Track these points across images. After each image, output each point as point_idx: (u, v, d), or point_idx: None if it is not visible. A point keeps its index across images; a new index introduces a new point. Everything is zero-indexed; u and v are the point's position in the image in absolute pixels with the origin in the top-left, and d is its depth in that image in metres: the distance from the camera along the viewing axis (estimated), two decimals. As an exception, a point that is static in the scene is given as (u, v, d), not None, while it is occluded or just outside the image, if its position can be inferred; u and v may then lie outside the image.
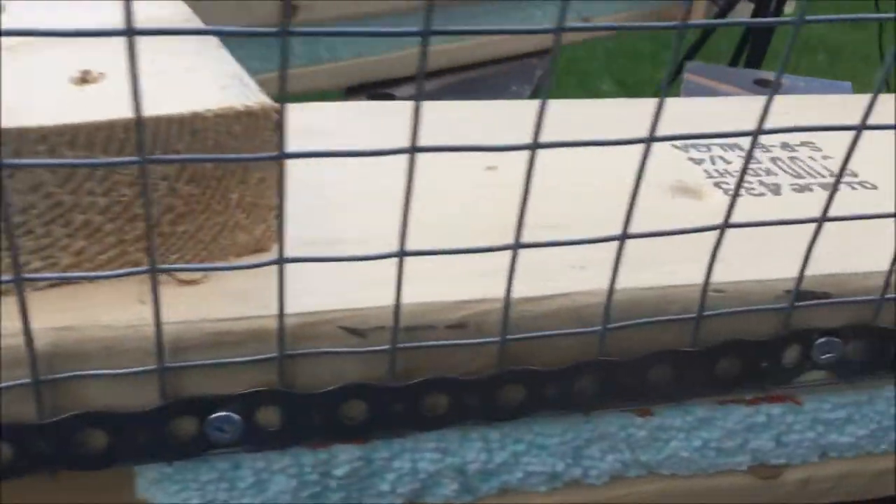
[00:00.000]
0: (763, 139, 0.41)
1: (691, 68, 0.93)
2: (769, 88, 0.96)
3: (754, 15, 1.09)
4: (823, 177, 0.38)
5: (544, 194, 0.35)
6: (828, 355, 0.31)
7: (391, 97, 0.82)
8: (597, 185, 0.35)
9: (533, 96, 0.85)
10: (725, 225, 0.27)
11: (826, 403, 0.33)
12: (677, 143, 0.40)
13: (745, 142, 0.41)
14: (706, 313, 0.29)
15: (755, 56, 1.09)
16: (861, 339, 0.31)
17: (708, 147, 0.40)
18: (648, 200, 0.35)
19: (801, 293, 0.30)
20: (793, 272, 0.29)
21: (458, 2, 0.86)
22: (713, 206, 0.35)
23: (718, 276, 0.29)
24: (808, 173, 0.38)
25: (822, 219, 0.28)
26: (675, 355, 0.29)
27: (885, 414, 0.34)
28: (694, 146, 0.40)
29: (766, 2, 1.06)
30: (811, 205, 0.35)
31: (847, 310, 0.31)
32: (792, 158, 0.39)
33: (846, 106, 0.48)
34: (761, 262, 0.30)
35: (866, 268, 0.30)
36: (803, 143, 0.41)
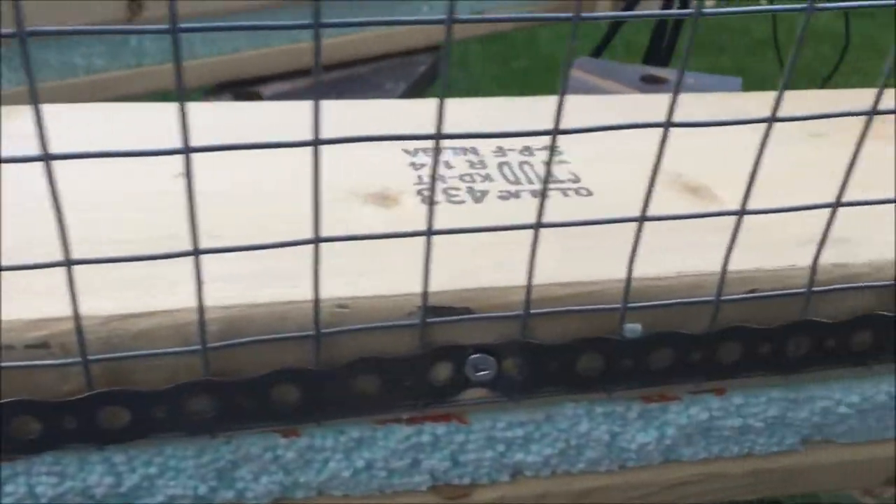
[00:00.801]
0: (504, 143, 0.40)
1: (580, 63, 0.91)
2: (656, 85, 0.94)
3: (663, 9, 1.07)
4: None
5: (226, 200, 0.33)
6: (483, 373, 0.30)
7: (258, 96, 0.81)
8: (280, 189, 0.34)
9: (407, 94, 0.84)
10: (317, 239, 0.25)
11: (499, 422, 0.31)
12: (407, 146, 0.39)
13: (483, 146, 0.40)
14: (326, 330, 0.27)
15: (662, 52, 1.07)
16: (517, 355, 0.29)
17: (441, 151, 0.38)
18: (335, 206, 0.33)
19: (438, 308, 0.28)
20: (429, 287, 0.28)
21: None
22: (399, 216, 0.33)
23: (342, 291, 0.28)
24: (529, 180, 0.36)
25: (429, 232, 0.26)
26: (298, 374, 0.28)
27: (572, 432, 0.32)
28: (425, 150, 0.38)
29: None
30: (507, 213, 0.34)
31: (499, 325, 0.29)
32: (522, 164, 0.38)
33: (721, 104, 0.47)
34: (395, 276, 0.29)
35: (509, 282, 0.29)
36: (546, 147, 0.39)
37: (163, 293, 0.27)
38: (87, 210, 0.32)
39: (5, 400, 0.26)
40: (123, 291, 0.27)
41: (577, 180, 0.37)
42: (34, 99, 0.21)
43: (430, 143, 0.39)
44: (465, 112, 0.43)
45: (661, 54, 1.08)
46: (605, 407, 0.32)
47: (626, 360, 0.30)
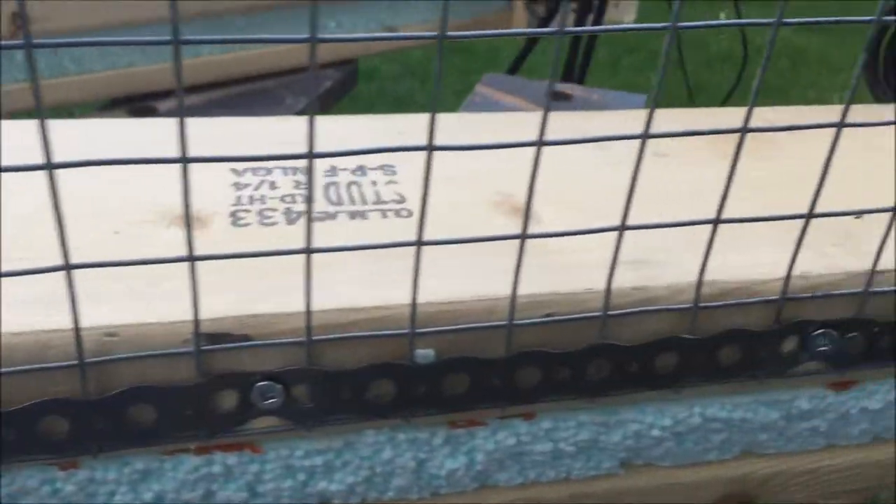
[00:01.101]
0: (337, 162, 0.39)
1: (487, 80, 0.91)
2: (562, 101, 0.94)
3: (577, 24, 1.08)
4: (365, 204, 0.36)
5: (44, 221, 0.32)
6: (271, 401, 0.29)
7: (154, 111, 0.80)
8: (94, 210, 0.33)
9: (307, 109, 0.83)
10: (67, 266, 0.24)
11: (297, 451, 0.31)
12: (236, 166, 0.38)
13: (315, 165, 0.39)
14: (91, 360, 0.26)
15: (577, 68, 1.07)
16: (305, 382, 0.29)
17: (269, 171, 0.38)
18: (140, 229, 0.33)
19: (214, 335, 0.27)
20: (209, 313, 0.27)
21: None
22: (204, 239, 0.32)
23: (111, 319, 0.27)
24: (352, 201, 0.36)
25: (191, 258, 0.25)
26: (64, 405, 0.27)
27: (375, 460, 0.32)
28: (254, 170, 0.38)
29: (587, 10, 1.05)
30: (318, 235, 0.33)
31: (287, 352, 0.28)
32: (350, 184, 0.37)
33: (622, 121, 0.46)
34: (171, 302, 0.28)
35: (293, 308, 0.28)
36: (381, 167, 0.39)
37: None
38: None
39: None
40: None
41: (401, 201, 0.36)
42: None
43: (257, 163, 0.39)
44: (352, 128, 0.42)
45: (576, 71, 1.08)
46: (409, 433, 0.31)
47: (421, 386, 0.30)
